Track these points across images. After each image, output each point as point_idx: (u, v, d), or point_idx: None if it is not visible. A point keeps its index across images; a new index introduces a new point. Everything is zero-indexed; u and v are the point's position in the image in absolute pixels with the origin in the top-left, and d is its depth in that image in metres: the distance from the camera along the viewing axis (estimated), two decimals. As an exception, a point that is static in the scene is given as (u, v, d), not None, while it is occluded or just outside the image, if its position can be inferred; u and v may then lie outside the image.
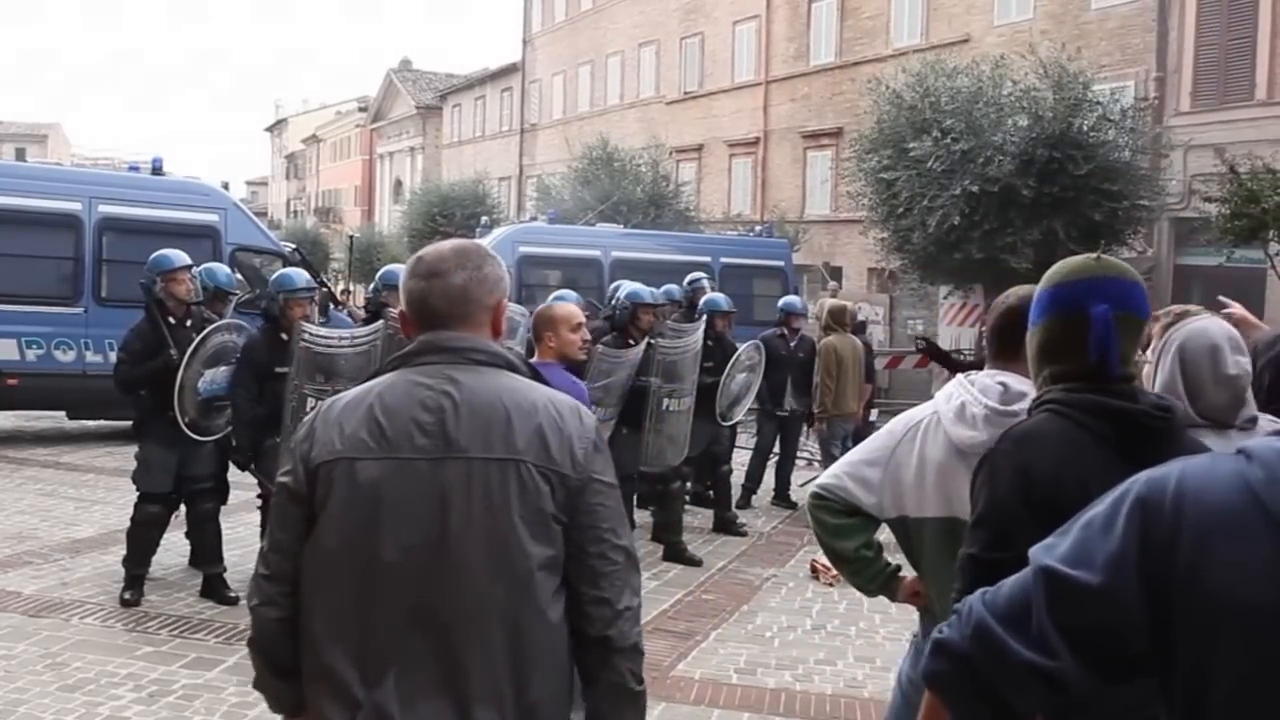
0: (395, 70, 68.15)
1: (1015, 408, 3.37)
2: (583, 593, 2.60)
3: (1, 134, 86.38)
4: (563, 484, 2.57)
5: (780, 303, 13.66)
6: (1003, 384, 3.45)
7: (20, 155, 57.61)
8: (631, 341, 9.84)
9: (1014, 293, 3.54)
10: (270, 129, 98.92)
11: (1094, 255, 2.85)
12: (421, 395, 2.60)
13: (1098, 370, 2.67)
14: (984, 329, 3.70)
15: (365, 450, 2.57)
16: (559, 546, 2.57)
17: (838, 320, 12.64)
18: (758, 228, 27.15)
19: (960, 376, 3.51)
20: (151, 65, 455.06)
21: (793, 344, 12.95)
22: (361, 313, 11.86)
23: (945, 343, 22.09)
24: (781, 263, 23.96)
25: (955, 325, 24.88)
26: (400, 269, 11.02)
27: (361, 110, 74.20)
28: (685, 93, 39.68)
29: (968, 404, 3.44)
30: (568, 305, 6.46)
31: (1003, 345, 3.52)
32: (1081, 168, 19.58)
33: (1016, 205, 19.74)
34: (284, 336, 8.20)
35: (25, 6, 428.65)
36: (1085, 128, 20.19)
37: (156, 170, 17.26)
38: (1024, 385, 3.37)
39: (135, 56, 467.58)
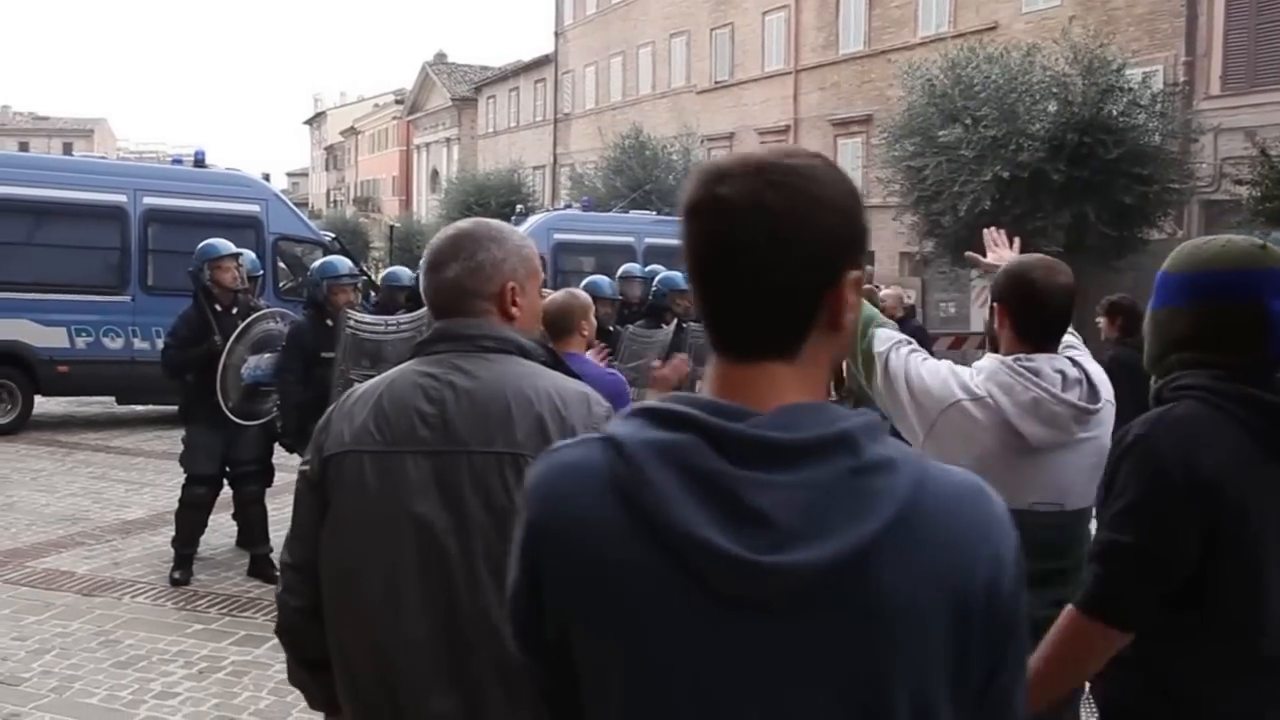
0: (430, 63, 68.16)
1: (1098, 406, 3.30)
2: None
3: (49, 129, 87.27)
4: None
5: None
6: (1061, 372, 3.31)
7: (67, 150, 58.04)
8: (664, 325, 9.93)
9: (1033, 268, 3.39)
10: (309, 122, 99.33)
11: (1259, 243, 2.60)
12: (426, 385, 2.55)
13: (1267, 365, 2.50)
14: (994, 305, 3.48)
15: (371, 443, 2.53)
16: None
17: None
18: (790, 214, 27.22)
19: (1009, 360, 3.30)
20: (194, 61, 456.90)
21: None
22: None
23: (976, 325, 22.13)
24: (813, 249, 24.03)
25: (986, 307, 24.82)
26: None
27: (398, 103, 74.31)
28: (716, 82, 39.67)
29: (1041, 400, 3.22)
30: (582, 293, 6.20)
31: (1030, 324, 3.37)
32: (1112, 152, 19.57)
33: (1047, 189, 19.76)
34: (329, 323, 8.29)
35: (70, 4, 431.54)
36: (1115, 113, 20.15)
37: (199, 162, 17.49)
38: (1068, 369, 3.34)
39: (178, 53, 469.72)
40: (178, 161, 18.30)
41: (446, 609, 2.47)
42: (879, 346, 3.31)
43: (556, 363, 2.69)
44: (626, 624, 1.41)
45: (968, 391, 3.27)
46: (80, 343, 15.88)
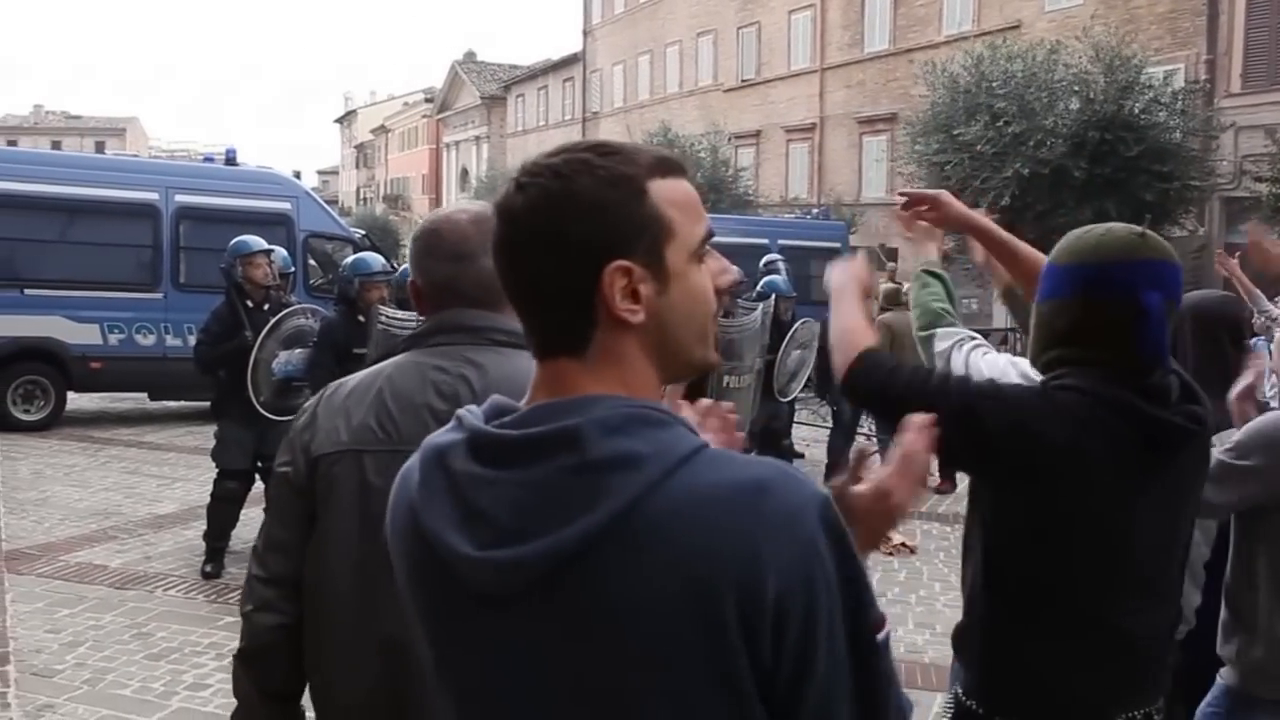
0: (460, 62, 68.37)
1: None
2: None
3: (81, 128, 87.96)
4: None
5: None
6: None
7: (99, 148, 58.58)
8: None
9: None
10: (340, 120, 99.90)
11: (1138, 231, 2.51)
12: (436, 379, 2.34)
13: (1145, 366, 2.43)
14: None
15: (374, 442, 2.32)
16: None
17: (892, 301, 12.77)
18: (814, 210, 27.31)
19: None
20: (225, 61, 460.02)
21: None
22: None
23: (998, 322, 22.14)
24: (838, 244, 24.08)
25: (1008, 303, 24.88)
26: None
27: (428, 101, 74.60)
28: (743, 80, 39.83)
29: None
30: None
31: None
32: (1133, 149, 19.69)
33: (1069, 186, 19.80)
34: (361, 319, 8.22)
35: (103, 5, 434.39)
36: (1136, 110, 20.28)
37: (230, 160, 17.58)
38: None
39: (209, 53, 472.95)
40: (209, 160, 18.39)
41: None
42: (940, 346, 3.26)
43: None
44: (423, 616, 1.49)
45: (1026, 379, 3.26)
46: (113, 339, 15.97)
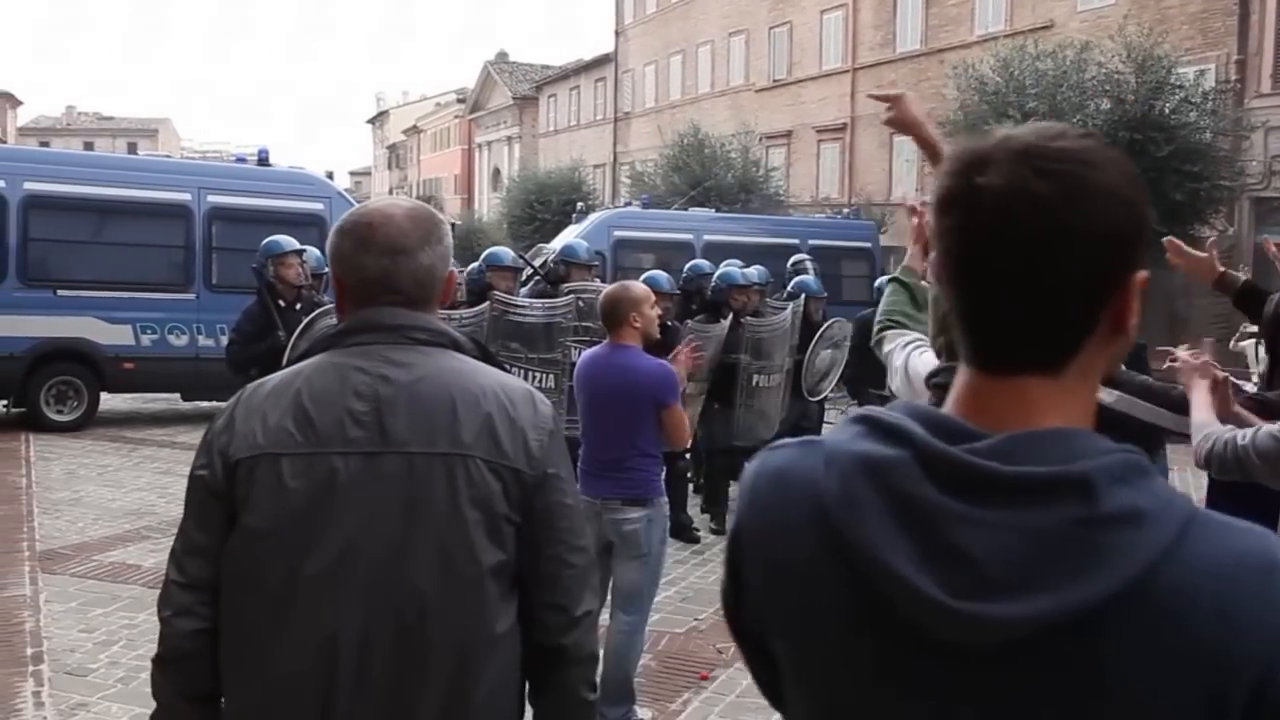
0: (492, 62, 68.46)
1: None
2: (537, 598, 2.35)
3: (114, 129, 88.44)
4: (516, 481, 2.29)
5: (877, 283, 13.61)
6: None
7: (132, 149, 58.78)
8: (722, 320, 10.04)
9: None
10: (372, 121, 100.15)
11: None
12: (355, 380, 2.30)
13: None
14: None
15: (291, 445, 2.26)
16: (510, 550, 2.30)
17: None
18: (845, 210, 27.28)
19: None
20: (257, 61, 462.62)
21: None
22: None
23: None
24: (869, 244, 24.11)
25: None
26: (506, 252, 10.84)
27: (460, 101, 74.70)
28: (774, 80, 39.80)
29: None
30: (641, 285, 6.25)
31: None
32: (1163, 149, 19.67)
33: (1100, 186, 19.84)
34: None
35: (135, 6, 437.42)
36: (1167, 110, 20.33)
37: (263, 161, 17.64)
38: None
39: (241, 53, 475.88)
40: (241, 160, 18.44)
41: (380, 632, 2.23)
42: (886, 348, 3.36)
43: (486, 357, 2.52)
44: (813, 641, 1.33)
45: None
46: (145, 340, 16.10)
